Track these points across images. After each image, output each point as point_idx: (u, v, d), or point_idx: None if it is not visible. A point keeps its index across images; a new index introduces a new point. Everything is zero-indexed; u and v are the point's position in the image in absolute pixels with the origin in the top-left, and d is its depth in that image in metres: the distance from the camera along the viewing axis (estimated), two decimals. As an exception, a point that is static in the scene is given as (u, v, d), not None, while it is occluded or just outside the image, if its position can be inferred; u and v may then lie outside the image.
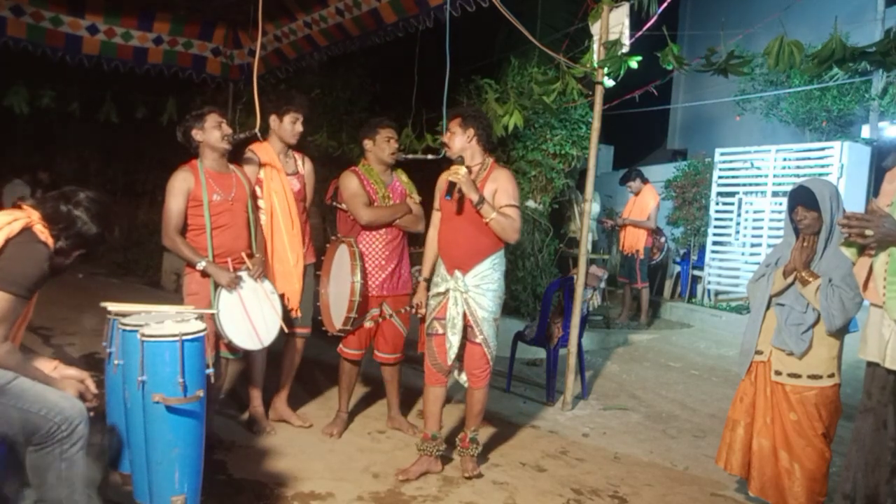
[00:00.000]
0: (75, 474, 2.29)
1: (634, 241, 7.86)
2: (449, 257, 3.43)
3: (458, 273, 3.37)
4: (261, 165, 3.86)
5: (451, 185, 3.29)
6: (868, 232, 2.37)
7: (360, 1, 4.97)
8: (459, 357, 3.47)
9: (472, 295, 3.36)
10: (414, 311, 3.77)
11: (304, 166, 4.08)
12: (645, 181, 7.97)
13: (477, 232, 3.36)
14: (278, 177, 3.88)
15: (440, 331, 3.43)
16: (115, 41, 5.84)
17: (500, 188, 3.39)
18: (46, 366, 2.43)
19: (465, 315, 3.38)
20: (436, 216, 3.62)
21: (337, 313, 3.84)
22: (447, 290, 3.40)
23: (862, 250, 2.52)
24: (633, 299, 8.17)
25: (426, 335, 3.52)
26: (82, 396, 2.38)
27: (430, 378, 3.50)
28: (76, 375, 2.43)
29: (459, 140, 3.45)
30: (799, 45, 3.89)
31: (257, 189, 3.85)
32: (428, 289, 3.65)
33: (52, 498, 2.28)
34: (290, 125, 3.89)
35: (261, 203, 3.86)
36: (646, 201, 7.85)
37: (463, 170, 3.28)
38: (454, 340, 3.38)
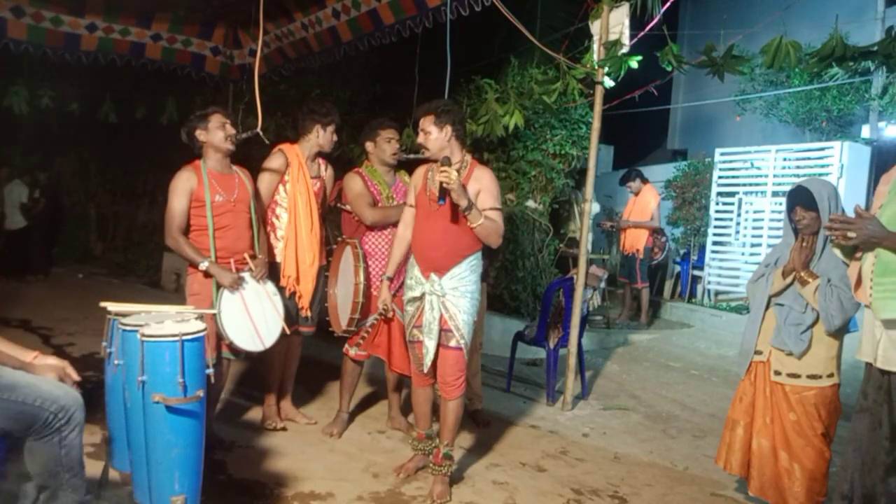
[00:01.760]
0: (74, 457, 2.32)
1: (635, 240, 7.87)
2: (425, 259, 3.24)
3: (433, 276, 3.20)
4: (287, 166, 3.89)
5: (444, 190, 3.03)
6: (851, 234, 2.41)
7: (360, 1, 4.97)
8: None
9: (449, 298, 3.19)
10: (382, 313, 3.61)
11: (326, 171, 4.12)
12: (645, 181, 7.97)
13: (457, 233, 3.18)
14: (304, 179, 3.91)
15: (420, 338, 3.29)
16: (113, 37, 5.83)
17: (484, 189, 3.20)
18: (26, 355, 2.41)
19: (441, 319, 3.21)
20: (408, 212, 3.42)
21: (344, 314, 3.85)
22: (423, 294, 3.24)
23: (853, 253, 2.55)
24: (633, 299, 8.17)
25: (408, 343, 3.41)
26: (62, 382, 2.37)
27: (418, 381, 3.44)
28: (56, 364, 2.41)
29: (437, 139, 3.21)
30: (796, 45, 3.88)
31: (280, 188, 3.89)
32: (396, 290, 3.62)
33: (54, 484, 2.30)
34: (331, 135, 3.97)
35: (281, 201, 3.90)
36: (646, 201, 7.85)
37: (454, 173, 3.03)
38: (430, 345, 3.22)
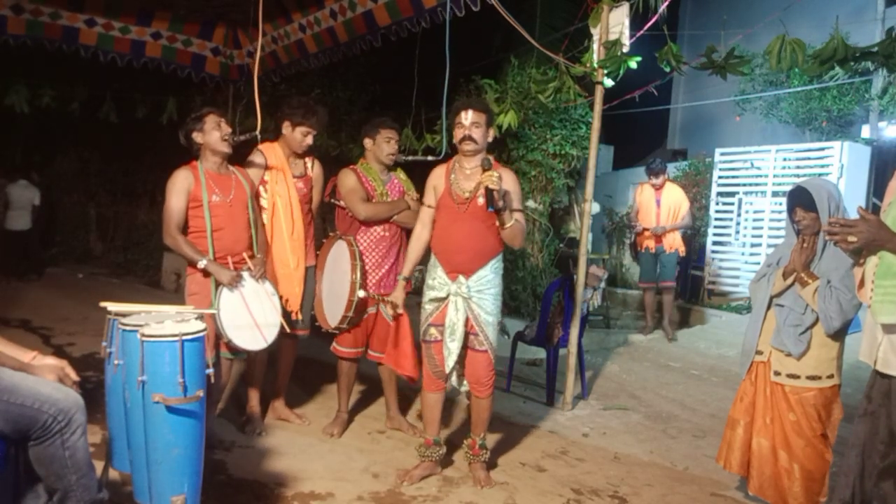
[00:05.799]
0: (80, 459, 2.30)
1: (673, 240, 7.33)
2: (451, 262, 3.27)
3: (461, 278, 3.24)
4: (267, 167, 3.86)
5: (491, 194, 3.04)
6: (851, 238, 2.38)
7: (356, 2, 4.96)
8: (461, 363, 3.36)
9: (475, 300, 3.24)
10: (392, 310, 3.62)
11: (313, 169, 4.09)
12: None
13: (483, 235, 3.24)
14: (284, 179, 3.88)
15: (438, 337, 3.32)
16: (113, 34, 5.86)
17: (510, 191, 3.23)
18: (24, 355, 2.40)
19: (467, 321, 3.26)
20: (425, 213, 3.43)
21: (331, 310, 3.83)
22: (447, 296, 3.27)
23: (860, 253, 2.54)
24: (654, 301, 7.59)
25: (423, 342, 3.40)
26: (61, 383, 2.37)
27: (429, 385, 3.41)
28: (55, 364, 2.40)
29: (483, 136, 3.29)
30: (801, 43, 3.87)
31: (261, 189, 3.86)
32: (414, 290, 3.61)
33: (63, 486, 2.29)
34: (300, 136, 3.90)
35: (264, 203, 3.87)
36: (676, 200, 7.34)
37: (496, 174, 3.06)
38: (453, 347, 3.26)
